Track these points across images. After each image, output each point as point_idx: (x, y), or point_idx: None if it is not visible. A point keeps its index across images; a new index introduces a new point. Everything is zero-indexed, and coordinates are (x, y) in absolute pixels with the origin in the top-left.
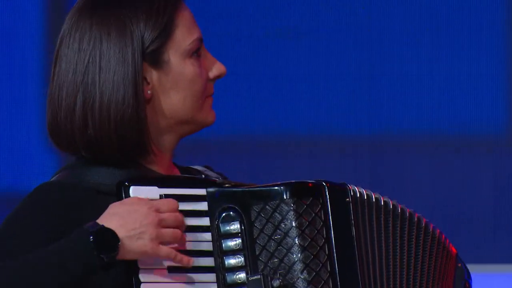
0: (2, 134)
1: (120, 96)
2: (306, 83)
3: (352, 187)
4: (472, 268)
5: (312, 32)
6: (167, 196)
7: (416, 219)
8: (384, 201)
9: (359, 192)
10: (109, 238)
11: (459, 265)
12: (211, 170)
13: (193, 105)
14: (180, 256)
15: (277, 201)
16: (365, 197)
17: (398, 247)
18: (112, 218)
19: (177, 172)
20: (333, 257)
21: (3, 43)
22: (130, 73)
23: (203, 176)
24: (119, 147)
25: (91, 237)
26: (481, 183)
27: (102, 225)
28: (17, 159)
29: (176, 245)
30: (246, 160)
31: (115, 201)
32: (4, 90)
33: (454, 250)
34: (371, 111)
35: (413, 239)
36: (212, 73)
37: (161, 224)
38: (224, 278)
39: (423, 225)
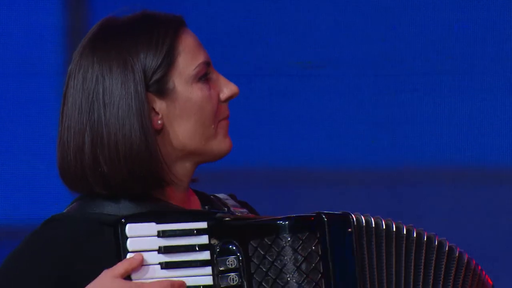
0: (20, 165)
1: (127, 130)
2: (326, 116)
3: (356, 216)
4: None
5: (332, 64)
6: (165, 232)
7: (436, 243)
8: (396, 227)
9: (365, 220)
10: None
11: None
12: (234, 198)
13: (204, 131)
14: None
15: (273, 236)
16: (373, 225)
17: (411, 272)
18: None
19: (195, 200)
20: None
21: (21, 72)
22: (134, 106)
23: (226, 205)
24: (131, 181)
25: None
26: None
27: None
28: (35, 190)
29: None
30: (274, 192)
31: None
32: (22, 120)
33: (490, 281)
34: (392, 143)
35: (432, 264)
36: (224, 95)
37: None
38: None
39: (446, 249)
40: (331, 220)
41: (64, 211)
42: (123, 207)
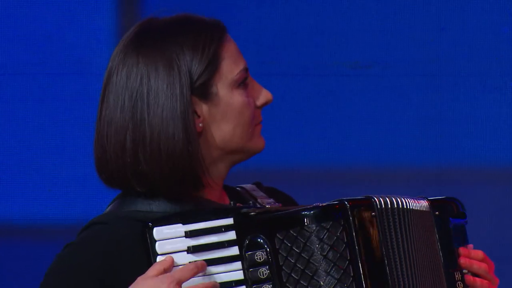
0: (76, 163)
1: (170, 131)
2: (373, 116)
3: (378, 198)
4: None
5: (378, 65)
6: (192, 231)
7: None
8: (417, 204)
9: (389, 201)
10: None
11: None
12: (261, 187)
13: (243, 134)
14: None
15: (298, 228)
16: (395, 205)
17: (438, 246)
18: None
19: (225, 197)
20: (360, 277)
21: (76, 72)
22: (179, 107)
23: (253, 197)
24: (171, 181)
25: None
26: None
27: None
28: (90, 189)
29: None
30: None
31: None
32: (77, 120)
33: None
34: (438, 142)
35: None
36: (259, 101)
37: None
38: None
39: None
40: (354, 206)
41: (105, 210)
42: (160, 206)
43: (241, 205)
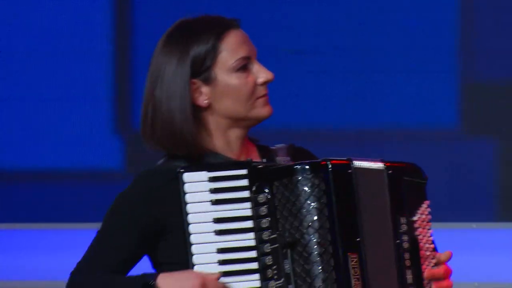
0: (77, 123)
1: (172, 106)
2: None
3: (357, 161)
4: None
5: (317, 50)
6: (214, 177)
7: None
8: (388, 167)
9: (366, 164)
10: None
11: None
12: (291, 146)
13: (242, 106)
14: None
15: (290, 177)
16: (371, 167)
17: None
18: (167, 280)
19: (254, 151)
20: (333, 218)
21: (75, 59)
22: (179, 89)
23: (277, 155)
24: (176, 147)
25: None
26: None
27: (153, 283)
28: (87, 142)
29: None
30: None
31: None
32: (81, 91)
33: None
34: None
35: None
36: (259, 80)
37: None
38: (260, 237)
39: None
40: (335, 165)
41: (154, 166)
42: (185, 163)
43: (253, 160)
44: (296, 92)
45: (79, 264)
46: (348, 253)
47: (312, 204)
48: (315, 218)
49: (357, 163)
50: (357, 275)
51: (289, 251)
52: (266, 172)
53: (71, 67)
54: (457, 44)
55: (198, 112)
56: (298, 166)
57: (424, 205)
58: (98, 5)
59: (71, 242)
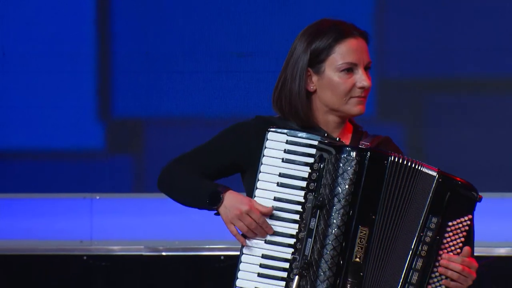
0: (67, 112)
1: (292, 85)
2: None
3: (394, 155)
4: None
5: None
6: (289, 141)
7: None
8: (417, 164)
9: (400, 159)
10: (217, 201)
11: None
12: (385, 138)
13: (338, 100)
14: (237, 236)
15: (335, 154)
16: (405, 163)
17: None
18: (230, 196)
19: (349, 133)
20: (358, 192)
21: (59, 51)
22: (298, 73)
23: (361, 139)
24: (293, 115)
25: (211, 193)
26: None
27: (221, 196)
28: (75, 127)
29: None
30: None
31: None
32: (67, 80)
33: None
34: None
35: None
36: (358, 84)
37: (239, 218)
38: (305, 195)
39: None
40: (373, 153)
41: (270, 116)
42: (291, 125)
43: (327, 138)
44: None
45: (182, 155)
46: (360, 225)
47: (344, 180)
48: (341, 191)
49: (393, 158)
50: (361, 244)
51: (318, 211)
52: (330, 145)
53: (61, 67)
54: (371, 48)
55: (309, 94)
56: (347, 148)
57: (466, 218)
58: None
59: (60, 208)
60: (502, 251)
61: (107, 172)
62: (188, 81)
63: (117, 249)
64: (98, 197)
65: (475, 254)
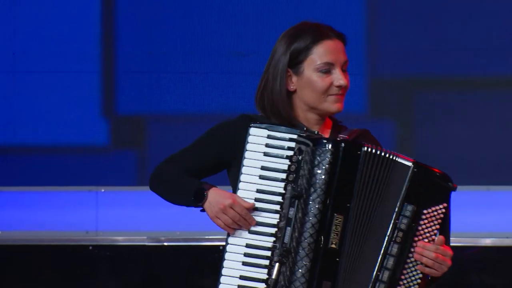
0: (73, 109)
1: (274, 85)
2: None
3: (368, 146)
4: None
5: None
6: (270, 135)
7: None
8: (392, 154)
9: (374, 149)
10: (201, 198)
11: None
12: (363, 131)
13: (316, 98)
14: (226, 228)
15: (312, 146)
16: (378, 153)
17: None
18: (213, 193)
19: (328, 128)
20: (333, 181)
21: (67, 51)
22: (279, 74)
23: (340, 133)
24: (275, 114)
25: (196, 191)
26: None
27: (205, 193)
28: (81, 123)
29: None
30: None
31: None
32: (73, 79)
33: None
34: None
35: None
36: (335, 83)
37: (223, 212)
38: (286, 188)
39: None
40: (347, 144)
41: (253, 114)
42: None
43: (306, 131)
44: None
45: (171, 156)
46: (335, 214)
47: (320, 170)
48: (317, 181)
49: (367, 149)
50: (337, 231)
51: (296, 201)
52: (307, 138)
53: (68, 67)
54: (363, 48)
55: (290, 94)
56: (323, 140)
57: (441, 206)
58: None
59: (67, 200)
60: (487, 242)
61: (111, 166)
62: (189, 80)
63: (121, 239)
64: (103, 190)
65: (461, 244)
